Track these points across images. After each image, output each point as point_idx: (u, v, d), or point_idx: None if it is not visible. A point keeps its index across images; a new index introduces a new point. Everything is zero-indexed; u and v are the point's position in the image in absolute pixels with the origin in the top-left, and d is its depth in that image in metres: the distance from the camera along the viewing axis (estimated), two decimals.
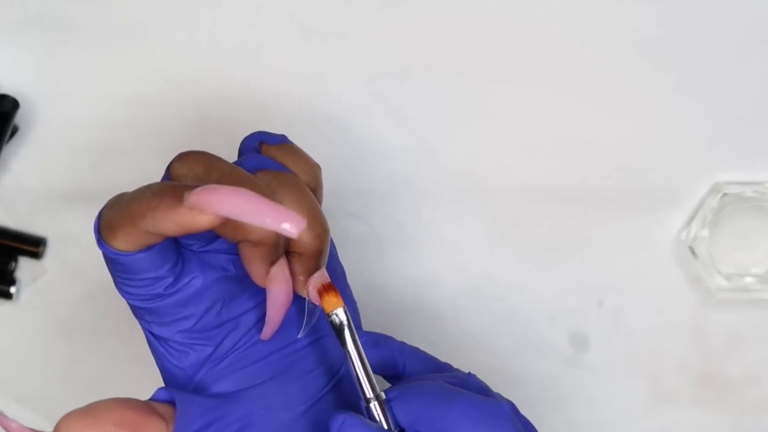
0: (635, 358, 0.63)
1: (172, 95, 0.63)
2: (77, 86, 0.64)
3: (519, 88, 0.62)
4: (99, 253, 0.45)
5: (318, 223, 0.46)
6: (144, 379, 0.52)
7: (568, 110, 0.62)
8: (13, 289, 0.64)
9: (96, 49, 0.63)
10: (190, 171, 0.45)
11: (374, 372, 0.49)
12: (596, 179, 0.63)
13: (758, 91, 0.62)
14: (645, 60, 0.62)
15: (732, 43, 0.62)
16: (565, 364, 0.63)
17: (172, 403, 0.45)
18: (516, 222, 0.63)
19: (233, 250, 0.47)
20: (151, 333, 0.47)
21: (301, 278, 0.46)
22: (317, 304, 0.45)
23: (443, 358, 0.51)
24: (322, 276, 0.46)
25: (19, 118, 0.63)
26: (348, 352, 0.45)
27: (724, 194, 0.61)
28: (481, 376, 0.48)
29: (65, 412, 0.57)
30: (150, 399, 0.46)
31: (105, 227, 0.44)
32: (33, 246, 0.64)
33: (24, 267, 0.64)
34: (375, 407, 0.44)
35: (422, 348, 0.51)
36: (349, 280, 0.52)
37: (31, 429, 0.45)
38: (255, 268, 0.45)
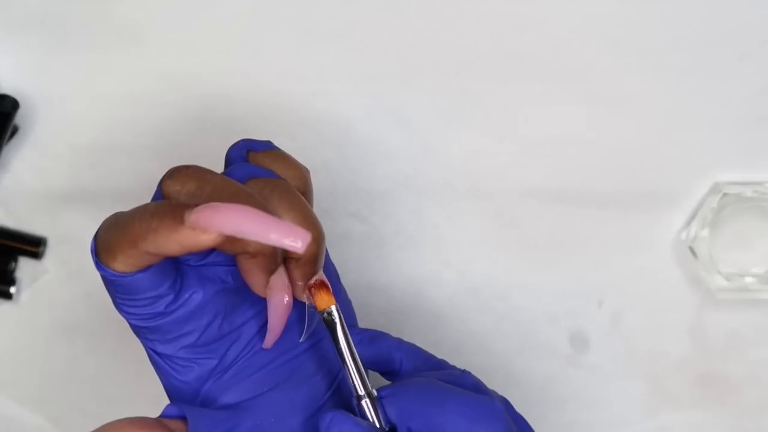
0: (635, 358, 0.63)
1: (171, 95, 0.63)
2: (77, 86, 0.64)
3: (519, 88, 0.62)
4: None
5: (313, 228, 0.46)
6: (144, 379, 0.52)
7: (568, 110, 0.62)
8: (13, 289, 0.64)
9: (96, 49, 0.63)
10: (183, 186, 0.44)
11: (370, 368, 0.49)
12: (596, 179, 0.63)
13: (758, 91, 0.62)
14: (645, 60, 0.62)
15: (732, 43, 0.62)
16: (565, 364, 0.63)
17: (182, 418, 0.45)
18: (516, 222, 0.63)
19: (230, 262, 0.46)
20: (154, 351, 0.47)
21: (300, 284, 0.46)
22: (311, 302, 0.46)
23: (444, 358, 0.51)
24: (320, 279, 0.46)
25: (19, 118, 0.63)
26: (340, 349, 0.45)
27: (724, 194, 0.61)
28: (481, 376, 0.48)
29: (65, 412, 0.57)
30: (160, 416, 0.46)
31: (103, 250, 0.43)
32: (33, 246, 0.64)
33: (24, 267, 0.64)
34: (366, 404, 0.45)
35: (423, 348, 0.51)
36: (350, 280, 0.52)
37: None
38: (255, 279, 0.45)
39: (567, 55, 0.62)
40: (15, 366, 0.65)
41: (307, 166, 0.50)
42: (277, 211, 0.45)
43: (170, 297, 0.45)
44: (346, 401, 0.48)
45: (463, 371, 0.48)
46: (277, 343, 0.47)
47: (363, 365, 0.45)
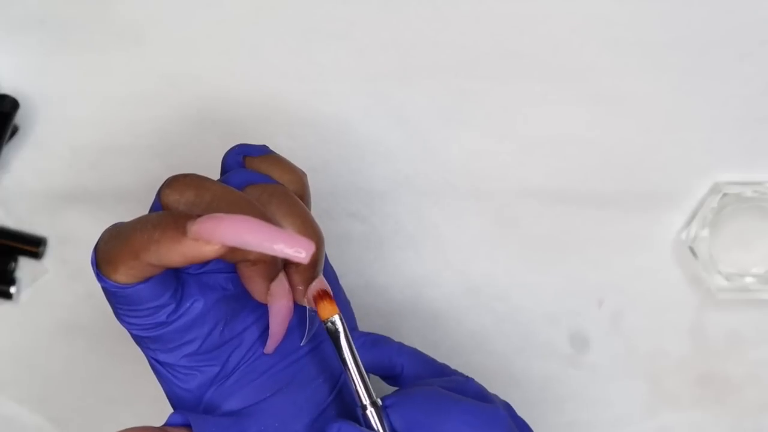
0: (635, 358, 0.63)
1: (172, 95, 0.63)
2: (77, 86, 0.64)
3: (519, 88, 0.62)
4: None
5: (313, 233, 0.45)
6: (144, 379, 0.52)
7: (568, 110, 0.62)
8: (13, 289, 0.64)
9: (96, 49, 0.63)
10: (181, 195, 0.44)
11: (372, 373, 0.49)
12: (596, 179, 0.63)
13: (758, 91, 0.62)
14: (645, 60, 0.62)
15: (732, 43, 0.62)
16: (565, 364, 0.63)
17: (186, 426, 0.45)
18: (516, 222, 0.63)
19: (230, 269, 0.46)
20: (156, 360, 0.46)
21: (301, 288, 0.46)
22: (311, 306, 0.45)
23: (443, 359, 0.51)
24: (320, 283, 0.46)
25: (19, 118, 0.63)
26: (344, 359, 0.45)
27: (724, 194, 0.61)
28: (481, 376, 0.48)
29: (65, 412, 0.57)
30: (164, 424, 0.46)
31: (104, 261, 0.43)
32: (33, 246, 0.64)
33: (24, 267, 0.64)
34: (372, 414, 0.45)
35: (422, 348, 0.51)
36: (350, 280, 0.52)
37: None
38: (256, 286, 0.45)
39: (567, 55, 0.62)
40: (15, 366, 0.65)
41: (307, 166, 0.50)
42: (275, 217, 0.45)
43: (171, 306, 0.45)
44: (349, 404, 0.48)
45: (467, 378, 0.48)
46: (278, 348, 0.47)
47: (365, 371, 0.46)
